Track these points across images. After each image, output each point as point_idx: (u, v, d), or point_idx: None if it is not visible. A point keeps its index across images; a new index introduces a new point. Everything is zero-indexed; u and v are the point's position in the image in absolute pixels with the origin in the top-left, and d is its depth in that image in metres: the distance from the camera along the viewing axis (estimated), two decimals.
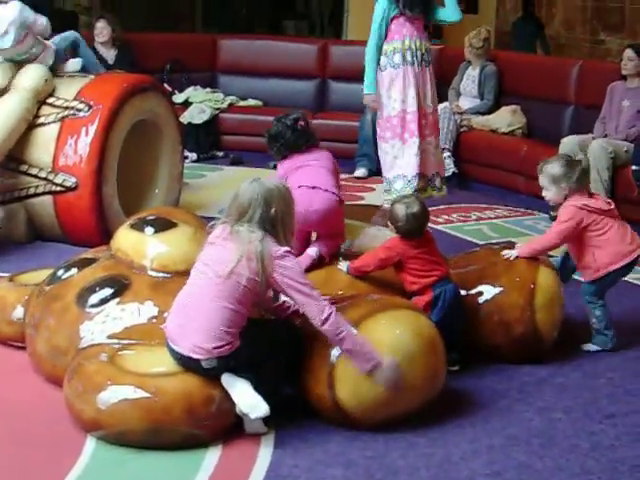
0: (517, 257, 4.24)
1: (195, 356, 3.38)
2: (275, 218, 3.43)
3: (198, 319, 3.39)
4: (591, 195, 4.40)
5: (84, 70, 6.19)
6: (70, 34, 6.39)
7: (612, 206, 4.33)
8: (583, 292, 4.39)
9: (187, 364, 3.41)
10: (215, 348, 3.36)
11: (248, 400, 3.35)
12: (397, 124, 5.64)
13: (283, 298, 3.65)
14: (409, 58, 5.61)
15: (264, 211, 3.41)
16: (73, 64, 6.16)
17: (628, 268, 4.35)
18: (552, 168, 4.29)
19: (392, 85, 5.64)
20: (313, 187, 4.17)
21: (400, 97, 5.63)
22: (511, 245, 4.41)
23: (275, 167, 4.53)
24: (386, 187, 5.75)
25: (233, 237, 3.42)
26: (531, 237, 4.55)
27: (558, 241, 4.33)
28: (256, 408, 3.35)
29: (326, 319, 3.36)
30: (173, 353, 3.45)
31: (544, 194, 4.40)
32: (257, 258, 3.36)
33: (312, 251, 4.17)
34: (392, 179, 5.68)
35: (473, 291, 4.20)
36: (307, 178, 4.21)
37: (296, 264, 3.46)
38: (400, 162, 5.65)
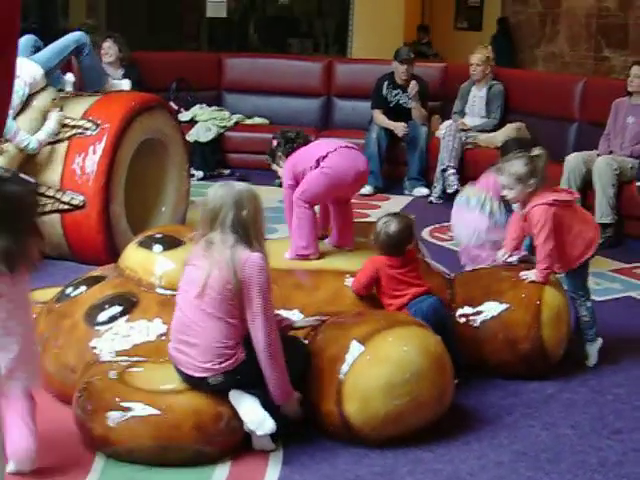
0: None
1: (201, 375, 3.39)
2: (247, 220, 3.40)
3: (195, 341, 3.38)
4: (554, 189, 4.36)
5: (85, 78, 6.21)
6: (75, 35, 6.10)
7: (576, 195, 4.33)
8: (567, 288, 4.34)
9: (194, 383, 3.42)
10: (219, 364, 3.36)
11: (255, 417, 3.36)
12: None
13: (276, 311, 3.59)
14: None
15: (235, 214, 3.39)
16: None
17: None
18: (515, 167, 4.20)
19: None
20: (356, 149, 4.40)
21: None
22: (520, 266, 4.38)
23: (281, 185, 4.55)
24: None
25: (206, 253, 3.39)
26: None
27: (552, 245, 4.16)
28: (262, 425, 3.35)
29: (269, 344, 3.34)
30: (180, 373, 3.47)
31: (506, 193, 4.29)
32: (227, 264, 3.32)
33: None
34: None
35: (479, 308, 4.21)
36: (341, 142, 4.41)
37: (264, 275, 3.36)
38: None
